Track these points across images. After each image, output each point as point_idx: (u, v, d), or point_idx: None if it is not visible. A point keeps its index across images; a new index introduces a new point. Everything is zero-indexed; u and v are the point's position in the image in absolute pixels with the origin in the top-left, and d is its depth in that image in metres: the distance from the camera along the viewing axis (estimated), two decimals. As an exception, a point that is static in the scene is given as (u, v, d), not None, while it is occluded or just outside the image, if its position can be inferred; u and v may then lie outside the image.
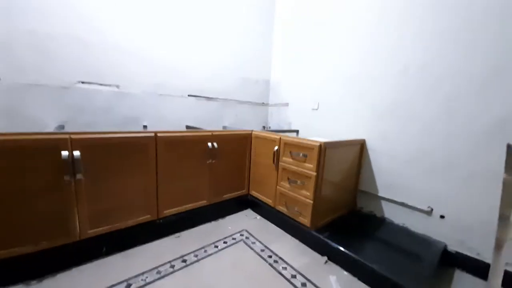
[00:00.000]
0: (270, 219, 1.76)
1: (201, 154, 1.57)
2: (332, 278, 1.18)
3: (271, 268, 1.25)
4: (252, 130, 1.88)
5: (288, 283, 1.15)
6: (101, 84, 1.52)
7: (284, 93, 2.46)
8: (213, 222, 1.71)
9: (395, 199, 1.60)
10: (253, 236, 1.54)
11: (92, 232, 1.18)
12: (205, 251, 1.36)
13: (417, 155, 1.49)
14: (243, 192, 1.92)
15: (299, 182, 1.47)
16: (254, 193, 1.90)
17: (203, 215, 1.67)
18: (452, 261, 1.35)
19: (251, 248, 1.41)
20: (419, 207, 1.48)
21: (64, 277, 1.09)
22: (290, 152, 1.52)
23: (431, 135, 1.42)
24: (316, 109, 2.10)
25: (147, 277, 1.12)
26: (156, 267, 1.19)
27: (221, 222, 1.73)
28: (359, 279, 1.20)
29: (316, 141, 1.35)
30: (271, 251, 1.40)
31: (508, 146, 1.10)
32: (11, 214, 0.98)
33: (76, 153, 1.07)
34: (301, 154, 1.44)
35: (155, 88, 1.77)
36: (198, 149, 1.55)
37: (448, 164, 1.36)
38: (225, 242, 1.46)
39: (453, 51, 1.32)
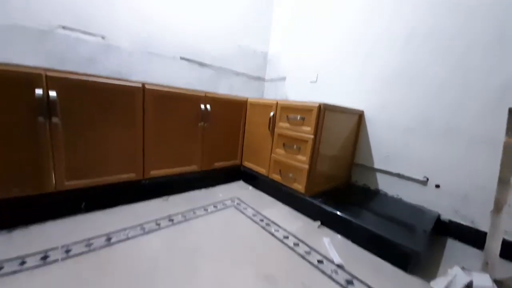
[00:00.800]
0: (262, 190, 1.70)
1: (193, 115, 1.48)
2: (326, 240, 1.14)
3: (263, 230, 1.19)
4: (247, 98, 1.79)
5: (280, 243, 1.10)
6: (84, 32, 1.39)
7: (282, 66, 2.37)
8: (203, 190, 1.63)
9: (391, 170, 1.57)
10: (244, 203, 1.48)
11: (69, 184, 1.08)
12: (194, 212, 1.29)
13: (417, 123, 1.45)
14: (235, 162, 1.85)
15: (295, 147, 1.41)
16: (246, 163, 1.83)
17: (193, 182, 1.59)
18: (445, 230, 1.34)
19: (242, 213, 1.35)
20: (414, 177, 1.46)
21: (37, 228, 1.00)
22: (287, 116, 1.45)
23: (435, 101, 1.38)
24: (315, 82, 2.03)
25: (129, 232, 1.05)
26: (140, 224, 1.12)
27: (211, 190, 1.66)
28: (353, 241, 1.16)
29: (315, 102, 1.29)
30: (263, 215, 1.34)
31: (510, 110, 1.07)
32: (-25, 154, 0.88)
33: (52, 93, 0.96)
34: (298, 117, 1.38)
35: (144, 44, 1.64)
36: (190, 109, 1.45)
37: (449, 130, 1.33)
38: (215, 206, 1.40)
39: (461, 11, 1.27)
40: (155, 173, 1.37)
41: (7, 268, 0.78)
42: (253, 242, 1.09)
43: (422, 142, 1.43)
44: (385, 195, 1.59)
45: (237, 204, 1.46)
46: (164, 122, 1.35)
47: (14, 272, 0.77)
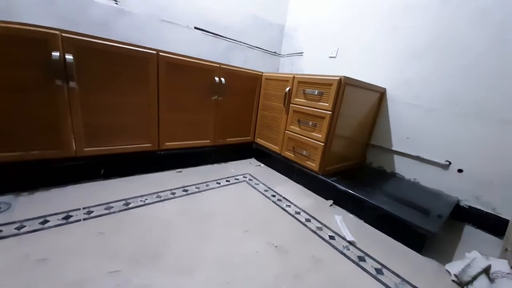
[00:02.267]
0: (274, 167, 1.69)
1: (207, 87, 1.44)
2: (338, 217, 1.13)
3: (274, 205, 1.20)
4: (262, 72, 1.72)
5: (291, 217, 1.10)
6: (97, -5, 1.34)
7: (299, 40, 2.24)
8: (215, 165, 1.65)
9: (410, 152, 1.49)
10: (256, 179, 1.49)
11: (88, 150, 1.11)
12: (207, 185, 1.31)
13: (444, 102, 1.35)
14: (248, 139, 1.83)
15: (311, 123, 1.36)
16: (259, 140, 1.81)
17: (206, 156, 1.60)
18: (464, 215, 1.29)
19: (254, 188, 1.36)
20: (435, 160, 1.39)
21: (58, 191, 1.04)
22: (304, 91, 1.39)
23: (466, 78, 1.26)
24: (334, 57, 1.91)
25: (146, 199, 1.08)
26: (156, 192, 1.15)
27: (223, 165, 1.66)
28: (365, 221, 1.15)
29: (336, 76, 1.21)
30: (275, 191, 1.35)
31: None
32: (-3, 115, 0.89)
33: (69, 56, 0.95)
34: (316, 92, 1.31)
35: (157, 11, 1.57)
36: (204, 81, 1.42)
37: (479, 111, 1.23)
38: (227, 181, 1.41)
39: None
40: (170, 144, 1.38)
41: (28, 226, 0.81)
42: (264, 214, 1.09)
43: (447, 123, 1.34)
44: (402, 178, 1.54)
45: (249, 179, 1.47)
46: (178, 92, 1.32)
47: (35, 231, 0.80)
